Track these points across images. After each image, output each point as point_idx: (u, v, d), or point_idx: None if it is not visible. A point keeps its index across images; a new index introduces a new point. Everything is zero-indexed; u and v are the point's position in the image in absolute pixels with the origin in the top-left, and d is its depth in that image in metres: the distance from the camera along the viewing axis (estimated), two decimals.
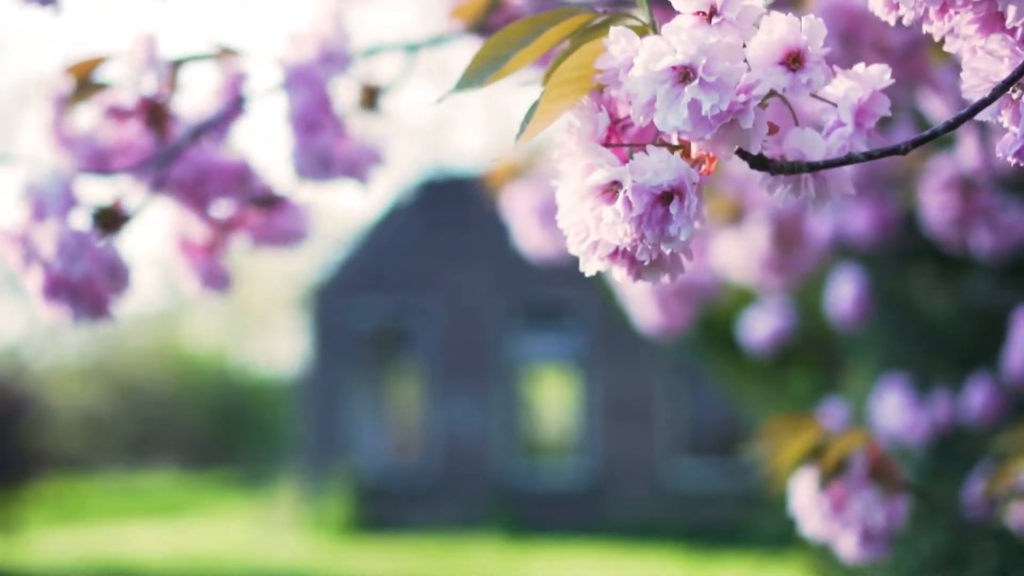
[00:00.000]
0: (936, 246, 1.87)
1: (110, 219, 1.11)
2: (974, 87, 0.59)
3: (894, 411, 2.29)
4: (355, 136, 1.20)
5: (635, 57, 0.57)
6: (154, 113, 1.21)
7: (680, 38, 0.57)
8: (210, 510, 13.18)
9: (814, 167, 0.59)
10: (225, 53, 1.23)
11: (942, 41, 0.61)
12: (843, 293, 2.19)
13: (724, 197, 1.98)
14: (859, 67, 0.60)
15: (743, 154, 0.59)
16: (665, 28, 0.58)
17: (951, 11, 0.58)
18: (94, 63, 1.20)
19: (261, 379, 18.25)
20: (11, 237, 1.07)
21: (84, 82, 1.21)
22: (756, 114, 0.57)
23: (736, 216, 1.94)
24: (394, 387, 10.97)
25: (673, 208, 0.58)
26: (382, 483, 10.50)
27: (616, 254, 0.60)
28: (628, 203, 0.58)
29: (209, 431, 17.72)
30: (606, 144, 0.61)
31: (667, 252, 0.59)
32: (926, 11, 0.59)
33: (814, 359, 6.04)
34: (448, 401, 10.50)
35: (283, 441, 13.83)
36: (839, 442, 1.08)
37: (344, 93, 1.20)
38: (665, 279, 0.61)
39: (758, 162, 0.59)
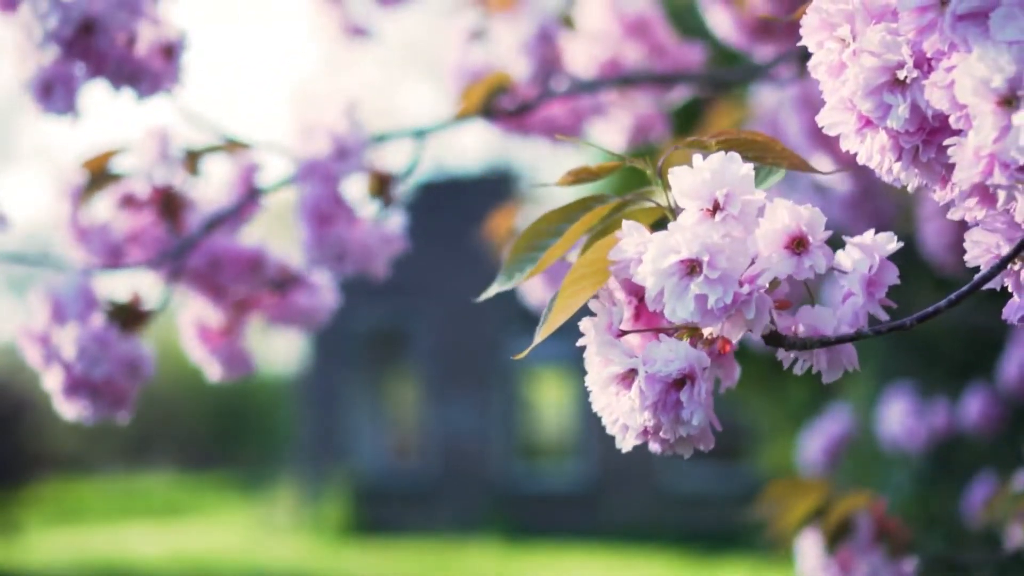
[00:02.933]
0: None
1: (129, 317, 1.13)
2: (976, 257, 0.63)
3: (897, 418, 2.30)
4: (368, 224, 1.20)
5: (644, 252, 0.61)
6: (168, 203, 1.24)
7: (685, 236, 0.60)
8: (209, 511, 13.18)
9: (825, 342, 0.62)
10: (236, 145, 1.25)
11: None
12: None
13: None
14: (868, 235, 0.63)
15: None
16: (672, 225, 0.61)
17: (951, 184, 0.61)
18: (108, 156, 1.23)
19: (260, 380, 18.24)
20: (32, 337, 1.09)
21: (99, 174, 1.24)
22: (760, 303, 0.60)
23: None
24: (393, 389, 10.97)
25: (683, 395, 0.62)
26: (380, 485, 10.49)
27: (646, 432, 0.64)
28: (642, 392, 0.62)
29: (208, 432, 17.72)
30: (636, 321, 0.65)
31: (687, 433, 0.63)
32: (927, 184, 0.63)
33: None
34: (447, 403, 10.50)
35: (282, 443, 13.82)
36: (842, 504, 1.09)
37: (356, 181, 1.21)
38: (701, 448, 0.65)
39: (772, 339, 0.63)
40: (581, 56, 1.48)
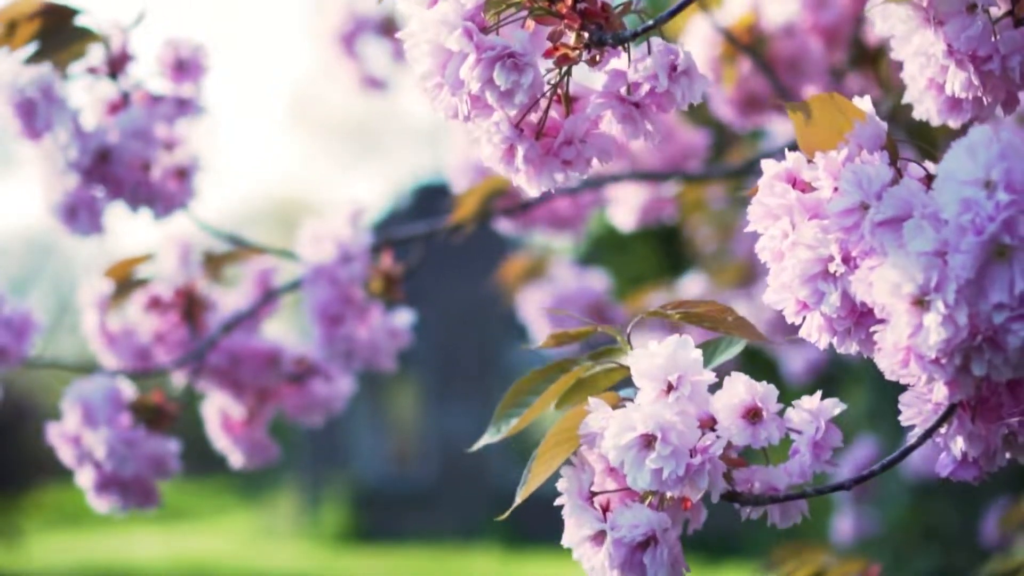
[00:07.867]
0: None
1: (155, 417, 1.21)
2: (909, 419, 0.71)
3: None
4: (376, 321, 1.28)
5: (606, 428, 0.69)
6: (189, 306, 1.33)
7: (642, 414, 0.67)
8: (209, 516, 13.20)
9: (775, 500, 0.71)
10: (252, 250, 1.34)
11: None
12: None
13: (735, 261, 2.07)
14: (815, 398, 0.71)
15: None
16: (630, 405, 0.69)
17: (878, 347, 0.67)
18: (130, 264, 1.31)
19: None
20: (65, 439, 1.16)
21: (123, 282, 1.32)
22: (712, 472, 0.68)
23: (746, 280, 2.02)
24: (392, 395, 10.99)
25: (647, 557, 0.70)
26: (380, 490, 10.51)
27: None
28: (610, 555, 0.69)
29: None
30: (611, 474, 0.73)
31: None
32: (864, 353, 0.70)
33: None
34: (446, 409, 10.51)
35: (282, 448, 13.79)
36: (837, 569, 1.13)
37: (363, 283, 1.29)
38: None
39: (729, 495, 0.71)
40: None
